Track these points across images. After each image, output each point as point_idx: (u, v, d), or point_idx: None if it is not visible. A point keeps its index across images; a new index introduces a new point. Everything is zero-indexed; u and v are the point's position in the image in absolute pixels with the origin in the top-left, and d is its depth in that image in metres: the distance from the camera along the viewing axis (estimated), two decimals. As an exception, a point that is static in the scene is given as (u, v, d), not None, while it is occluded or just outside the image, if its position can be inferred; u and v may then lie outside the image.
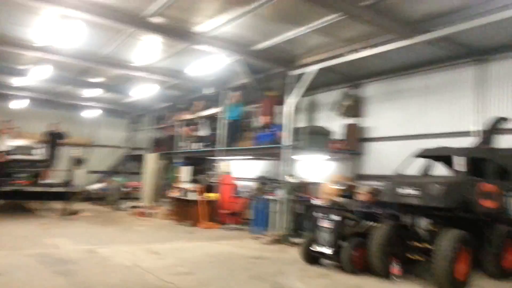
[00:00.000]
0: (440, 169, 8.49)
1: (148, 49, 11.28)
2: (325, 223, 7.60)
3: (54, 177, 15.35)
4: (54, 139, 15.32)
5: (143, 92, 14.78)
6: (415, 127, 10.74)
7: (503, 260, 7.06)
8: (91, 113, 19.98)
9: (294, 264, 7.80)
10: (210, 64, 11.16)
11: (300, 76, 11.06)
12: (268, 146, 11.70)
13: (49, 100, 18.62)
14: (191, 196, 12.87)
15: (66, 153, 16.43)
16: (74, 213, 13.77)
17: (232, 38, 9.90)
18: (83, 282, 6.03)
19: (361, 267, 7.15)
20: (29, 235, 9.70)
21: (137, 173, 20.25)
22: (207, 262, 7.77)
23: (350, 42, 9.43)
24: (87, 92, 17.55)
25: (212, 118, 14.83)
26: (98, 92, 17.28)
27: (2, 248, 7.99)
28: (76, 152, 14.99)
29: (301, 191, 11.44)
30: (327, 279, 6.83)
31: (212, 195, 12.91)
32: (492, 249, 6.95)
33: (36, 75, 13.30)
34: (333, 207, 8.09)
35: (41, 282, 5.91)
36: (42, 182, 14.53)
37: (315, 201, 10.47)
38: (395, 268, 6.77)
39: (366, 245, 7.08)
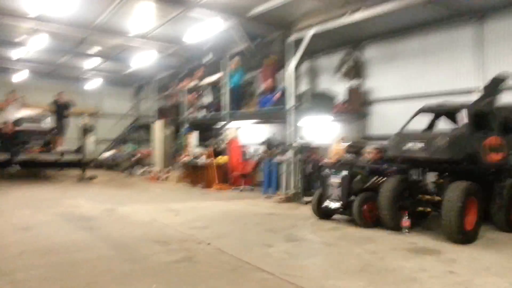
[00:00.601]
0: (443, 125, 8.60)
1: (143, 16, 11.24)
2: (335, 179, 7.82)
3: (66, 146, 15.65)
4: (61, 108, 15.51)
5: (143, 60, 14.83)
6: (417, 87, 10.79)
7: (511, 213, 7.22)
8: (94, 84, 20.07)
9: (306, 219, 8.09)
10: (206, 30, 11.10)
11: (298, 40, 11.06)
12: (273, 108, 11.83)
13: (50, 71, 18.75)
14: (202, 160, 13.15)
15: (74, 122, 16.71)
16: (90, 178, 14.16)
17: (227, 2, 9.82)
18: (107, 235, 6.36)
19: (372, 220, 7.38)
20: (50, 197, 10.11)
21: (146, 141, 20.59)
22: (222, 218, 8.10)
23: (346, 4, 9.34)
24: (87, 63, 17.58)
25: (215, 85, 14.92)
26: (97, 62, 17.33)
27: (27, 208, 8.36)
28: (85, 120, 15.18)
29: (310, 153, 11.63)
30: (338, 232, 7.09)
31: (222, 159, 13.16)
32: (501, 202, 7.07)
33: (33, 46, 13.36)
34: (342, 163, 8.25)
35: (67, 235, 6.23)
36: (55, 150, 14.84)
37: (324, 160, 10.67)
38: (405, 221, 6.96)
39: (376, 199, 7.31)
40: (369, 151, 9.61)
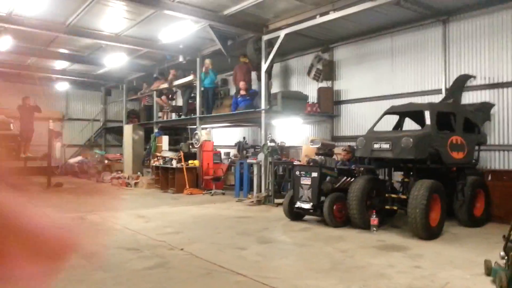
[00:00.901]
0: (409, 126, 8.93)
1: (115, 16, 11.12)
2: (305, 180, 7.97)
3: (33, 151, 15.19)
4: (27, 113, 15.05)
5: (114, 62, 14.56)
6: (386, 87, 11.13)
7: (473, 209, 7.60)
8: (62, 86, 19.57)
9: (278, 221, 8.20)
10: (179, 31, 11.05)
11: (271, 41, 11.21)
12: (245, 111, 11.90)
13: (16, 73, 18.09)
14: (173, 164, 13.08)
15: (41, 128, 16.24)
16: (57, 185, 13.79)
17: (199, 3, 9.85)
18: (76, 243, 6.22)
19: (342, 220, 7.60)
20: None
21: (117, 145, 20.27)
22: (194, 222, 8.08)
23: (318, 5, 9.56)
24: (56, 64, 17.12)
25: (188, 87, 14.86)
26: (67, 64, 16.93)
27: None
28: (52, 125, 14.78)
29: (281, 154, 11.78)
30: (309, 232, 7.23)
31: (193, 162, 13.12)
32: (463, 199, 7.44)
33: None
34: (311, 165, 8.42)
35: (35, 246, 6.06)
36: (22, 156, 14.38)
37: (295, 162, 10.82)
38: (373, 219, 7.17)
39: (345, 199, 7.50)
40: (338, 152, 9.86)
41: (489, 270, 4.55)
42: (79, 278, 4.62)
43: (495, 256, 4.42)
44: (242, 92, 12.13)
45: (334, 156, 9.48)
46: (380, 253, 5.73)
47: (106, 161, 18.26)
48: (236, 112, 12.38)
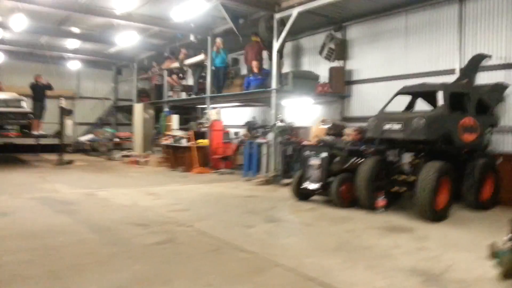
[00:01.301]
0: (422, 106, 8.81)
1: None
2: (314, 161, 7.96)
3: (44, 129, 15.40)
4: (39, 91, 15.18)
5: (125, 41, 14.50)
6: (398, 67, 10.91)
7: (481, 192, 7.51)
8: (74, 65, 19.63)
9: (286, 201, 8.24)
10: (190, 9, 10.86)
11: (283, 19, 11.05)
12: (256, 90, 11.84)
13: (27, 53, 18.20)
14: (183, 143, 13.15)
15: (53, 105, 16.41)
16: (69, 162, 14.00)
17: None
18: (87, 218, 6.37)
19: (349, 200, 7.59)
20: (27, 182, 9.97)
21: (127, 124, 20.40)
22: (203, 201, 8.17)
23: None
24: (68, 43, 17.15)
25: (198, 66, 14.79)
26: (77, 43, 16.94)
27: (3, 193, 8.25)
28: (64, 103, 14.90)
29: (290, 135, 11.75)
30: (316, 212, 7.27)
31: (203, 141, 13.18)
32: (471, 182, 7.36)
33: (12, 26, 12.81)
34: (321, 145, 8.39)
35: (46, 220, 6.21)
36: (33, 133, 14.59)
37: (305, 142, 10.81)
38: (381, 201, 7.17)
39: (353, 180, 7.49)
40: (348, 133, 9.80)
41: (493, 254, 4.53)
42: (90, 251, 4.74)
43: (500, 239, 4.41)
44: (255, 70, 12.06)
45: (344, 137, 9.42)
46: (386, 234, 5.75)
47: (116, 139, 18.43)
48: (246, 92, 12.33)
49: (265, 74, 12.09)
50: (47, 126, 15.89)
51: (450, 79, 9.03)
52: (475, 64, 8.79)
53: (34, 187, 9.27)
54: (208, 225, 6.09)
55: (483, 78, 8.99)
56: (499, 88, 8.46)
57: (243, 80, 12.98)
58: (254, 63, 12.08)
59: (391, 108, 7.85)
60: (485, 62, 8.90)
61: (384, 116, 7.46)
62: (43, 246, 4.89)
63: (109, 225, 6.00)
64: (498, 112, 8.51)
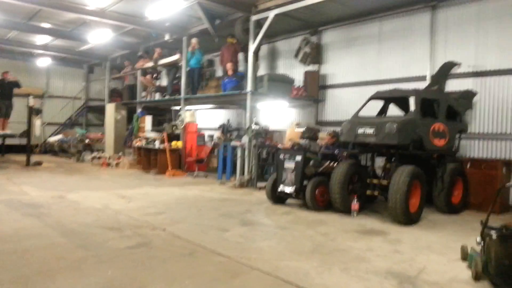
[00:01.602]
0: (393, 111, 9.01)
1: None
2: (289, 164, 8.00)
3: (11, 129, 14.85)
4: (6, 89, 14.62)
5: (98, 38, 14.16)
6: (371, 73, 11.15)
7: (451, 196, 7.77)
8: (44, 62, 19.06)
9: (261, 204, 8.23)
10: (166, 8, 10.72)
11: (260, 21, 11.09)
12: (231, 92, 11.81)
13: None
14: (156, 145, 12.96)
15: (21, 104, 15.87)
16: (37, 163, 13.54)
17: None
18: (57, 222, 6.16)
19: (324, 204, 7.68)
20: (-8, 184, 9.57)
21: (98, 125, 19.96)
22: (177, 204, 8.05)
23: None
24: (38, 39, 16.61)
25: (173, 66, 14.63)
26: (48, 39, 16.44)
27: (-34, 196, 7.90)
28: (32, 102, 14.42)
29: (265, 138, 11.78)
30: (291, 215, 7.29)
31: (177, 144, 13.02)
32: (442, 186, 7.61)
33: None
34: (296, 148, 8.43)
35: (14, 223, 5.97)
36: (0, 133, 14.06)
37: (279, 146, 10.84)
38: (355, 204, 7.27)
39: (328, 184, 7.57)
40: (323, 136, 9.91)
41: (465, 255, 4.68)
42: (60, 256, 4.58)
43: (471, 242, 4.54)
44: (230, 72, 12.02)
45: (318, 141, 9.51)
46: (360, 237, 5.82)
47: (87, 141, 17.98)
48: (221, 94, 12.27)
49: (240, 77, 12.08)
50: (14, 125, 15.33)
51: (422, 85, 9.28)
52: (445, 71, 9.06)
53: (1, 189, 8.91)
54: (183, 228, 6.01)
55: (452, 85, 9.29)
56: (468, 96, 8.76)
57: (218, 82, 12.92)
58: (229, 65, 12.04)
59: (364, 112, 7.97)
60: (455, 70, 9.20)
61: (357, 121, 7.56)
62: (10, 250, 4.70)
63: (80, 228, 5.83)
64: (466, 119, 8.82)
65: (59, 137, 18.55)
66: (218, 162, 12.01)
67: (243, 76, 11.97)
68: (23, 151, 14.09)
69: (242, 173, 10.80)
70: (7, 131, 14.36)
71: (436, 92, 8.27)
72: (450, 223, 6.97)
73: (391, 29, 10.75)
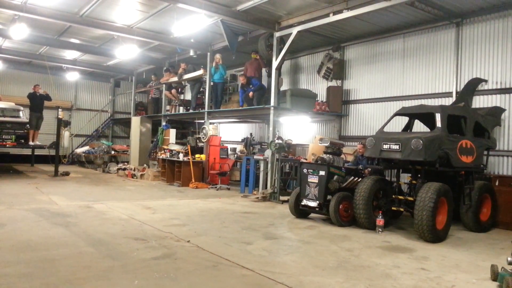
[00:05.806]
0: (419, 127, 8.90)
1: (128, 8, 11.14)
2: (313, 178, 7.98)
3: (41, 140, 15.33)
4: (37, 101, 15.13)
5: (125, 53, 14.56)
6: (395, 89, 11.08)
7: (479, 214, 7.59)
8: (73, 76, 19.67)
9: (284, 218, 8.22)
10: (191, 25, 11.01)
11: (283, 37, 11.21)
12: (254, 107, 11.92)
13: (28, 62, 18.26)
14: (180, 158, 13.13)
15: (50, 116, 16.39)
16: (65, 174, 13.91)
17: None
18: (84, 231, 6.30)
19: (348, 219, 7.63)
20: (23, 193, 9.87)
21: (124, 137, 20.39)
22: (200, 216, 8.12)
23: (331, 3, 9.52)
24: (67, 54, 17.20)
25: (197, 81, 14.89)
26: (78, 54, 17.00)
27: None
28: (61, 114, 14.87)
29: (288, 152, 11.79)
30: (315, 230, 7.24)
31: (200, 156, 13.17)
32: (470, 203, 7.43)
33: (12, 35, 12.73)
34: (319, 163, 8.41)
35: (43, 232, 6.14)
36: (29, 144, 14.51)
37: (303, 160, 10.83)
38: (379, 220, 7.19)
39: (352, 199, 7.51)
40: (347, 152, 9.83)
41: (495, 275, 4.55)
42: (87, 265, 4.68)
43: (501, 261, 4.43)
44: (243, 82, 12.37)
45: (342, 156, 9.45)
46: (385, 254, 5.73)
47: (112, 152, 18.37)
48: (245, 108, 12.40)
49: (258, 87, 12.19)
50: (43, 136, 15.83)
51: (447, 101, 9.17)
52: (472, 87, 8.93)
53: (31, 198, 9.18)
54: (206, 240, 6.05)
55: (479, 102, 9.14)
56: (495, 112, 8.59)
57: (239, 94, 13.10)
58: (241, 78, 12.40)
59: (388, 128, 7.91)
60: (481, 86, 9.06)
61: (382, 136, 7.51)
62: (40, 258, 4.83)
63: (107, 238, 5.94)
64: (495, 136, 8.63)
65: (86, 148, 19.01)
66: (240, 175, 12.06)
67: (261, 87, 12.13)
68: (52, 161, 14.50)
69: (265, 186, 10.82)
70: (37, 142, 14.81)
71: (463, 109, 8.15)
72: (478, 241, 6.80)
73: (415, 45, 10.69)
